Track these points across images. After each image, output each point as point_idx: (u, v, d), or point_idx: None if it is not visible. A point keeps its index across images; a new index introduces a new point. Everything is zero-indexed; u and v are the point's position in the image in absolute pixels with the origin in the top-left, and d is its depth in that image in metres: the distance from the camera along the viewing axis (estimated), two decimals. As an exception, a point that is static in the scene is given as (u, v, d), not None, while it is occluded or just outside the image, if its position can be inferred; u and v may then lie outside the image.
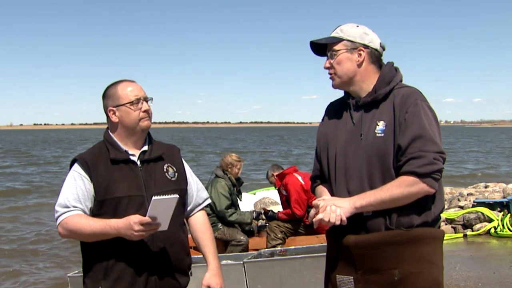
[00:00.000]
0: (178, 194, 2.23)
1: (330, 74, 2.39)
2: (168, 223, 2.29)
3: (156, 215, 2.22)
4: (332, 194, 2.36)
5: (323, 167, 2.44)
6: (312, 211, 2.27)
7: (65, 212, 2.38)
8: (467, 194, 9.56)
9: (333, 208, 2.19)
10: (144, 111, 2.47)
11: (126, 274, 2.39)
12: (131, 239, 2.27)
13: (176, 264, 2.49)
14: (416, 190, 2.17)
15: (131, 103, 2.45)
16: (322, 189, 2.45)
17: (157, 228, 2.27)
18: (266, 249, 5.84)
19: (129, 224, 2.22)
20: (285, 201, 6.55)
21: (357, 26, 2.37)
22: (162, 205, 2.21)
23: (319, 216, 2.21)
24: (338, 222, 2.19)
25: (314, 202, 2.29)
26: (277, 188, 6.77)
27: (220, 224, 6.43)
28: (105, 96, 2.53)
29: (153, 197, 2.19)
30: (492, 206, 8.69)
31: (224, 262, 5.12)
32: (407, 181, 2.17)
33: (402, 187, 2.17)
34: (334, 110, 2.47)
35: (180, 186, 2.54)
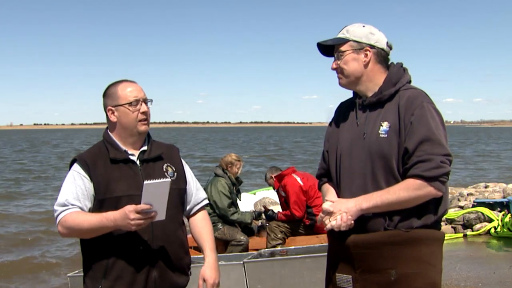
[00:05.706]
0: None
1: (337, 74, 2.40)
2: (164, 212, 2.28)
3: (150, 201, 2.21)
4: (337, 193, 2.37)
5: (330, 167, 2.44)
6: (321, 215, 2.30)
7: (63, 211, 2.39)
8: (467, 194, 9.55)
9: (344, 217, 2.23)
10: (143, 113, 2.47)
11: (125, 273, 2.39)
12: (129, 229, 2.26)
13: (175, 263, 2.50)
14: (423, 193, 2.17)
15: (130, 104, 2.46)
16: (328, 188, 2.46)
17: (154, 217, 2.25)
18: (266, 249, 5.84)
19: (125, 213, 2.22)
20: (284, 202, 6.52)
21: (363, 26, 2.36)
22: (155, 191, 2.20)
23: (332, 223, 2.25)
24: (347, 229, 2.25)
25: (323, 206, 2.31)
26: (275, 189, 6.72)
27: (220, 224, 6.41)
28: (105, 95, 2.53)
29: (145, 182, 2.18)
30: (492, 206, 8.67)
31: (224, 262, 5.12)
32: (415, 184, 2.16)
33: (409, 191, 2.17)
34: (343, 110, 2.48)
35: (180, 186, 2.54)
